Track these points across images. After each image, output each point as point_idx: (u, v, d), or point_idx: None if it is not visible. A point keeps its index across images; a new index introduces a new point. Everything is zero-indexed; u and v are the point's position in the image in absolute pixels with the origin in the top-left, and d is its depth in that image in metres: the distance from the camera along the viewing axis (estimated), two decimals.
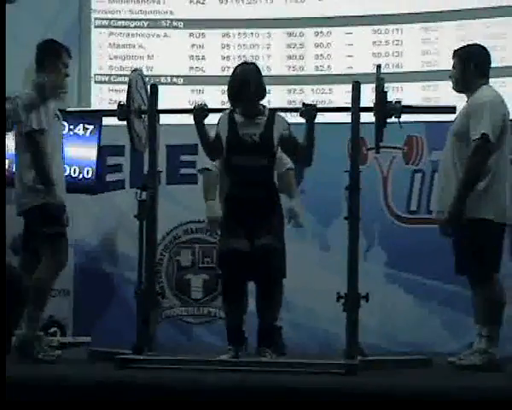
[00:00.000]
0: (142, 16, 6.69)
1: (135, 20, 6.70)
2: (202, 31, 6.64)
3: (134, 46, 6.66)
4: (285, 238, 4.56)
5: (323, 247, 5.79)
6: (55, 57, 4.86)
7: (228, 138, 4.46)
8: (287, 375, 3.97)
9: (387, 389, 3.54)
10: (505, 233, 4.56)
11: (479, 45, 4.75)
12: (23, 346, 4.52)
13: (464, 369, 4.38)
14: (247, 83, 4.39)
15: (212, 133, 4.53)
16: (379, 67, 4.48)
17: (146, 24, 6.69)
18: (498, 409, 3.23)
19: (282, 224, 4.56)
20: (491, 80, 4.69)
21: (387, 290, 6.03)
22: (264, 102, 4.55)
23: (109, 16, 6.70)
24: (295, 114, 4.56)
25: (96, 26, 6.69)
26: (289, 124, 4.54)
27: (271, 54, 6.53)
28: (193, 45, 6.64)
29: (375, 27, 6.46)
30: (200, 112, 4.49)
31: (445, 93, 6.10)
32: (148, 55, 6.60)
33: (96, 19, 6.69)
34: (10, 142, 4.99)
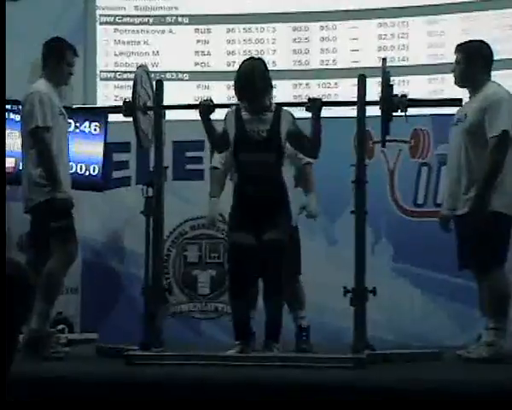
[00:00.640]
0: (147, 12, 6.69)
1: (140, 16, 6.69)
2: (207, 26, 6.63)
3: (139, 42, 6.66)
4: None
5: (330, 241, 5.78)
6: (57, 56, 4.86)
7: (235, 136, 4.45)
8: (294, 369, 3.97)
9: (395, 383, 3.54)
10: None
11: (482, 41, 4.73)
12: (32, 342, 4.52)
13: (471, 362, 4.37)
14: (253, 78, 4.38)
15: (219, 128, 4.53)
16: (384, 60, 4.47)
17: (151, 20, 6.69)
18: (508, 402, 3.22)
19: (290, 220, 4.54)
20: (497, 73, 4.68)
21: (394, 284, 6.02)
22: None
23: (114, 13, 6.70)
24: (301, 108, 4.56)
25: (101, 23, 6.69)
26: (295, 118, 4.53)
27: (277, 48, 6.52)
28: (198, 41, 6.64)
29: (381, 21, 6.44)
30: (206, 107, 4.50)
31: (451, 86, 6.06)
32: (154, 52, 6.60)
33: (101, 15, 6.69)
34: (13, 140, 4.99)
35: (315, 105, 4.45)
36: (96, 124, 6.11)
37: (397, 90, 4.46)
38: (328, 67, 6.47)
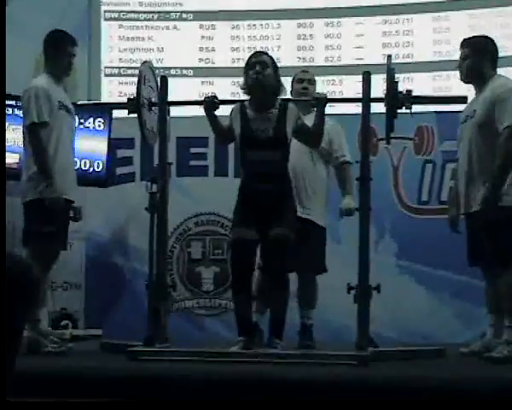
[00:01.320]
0: (152, 8, 6.69)
1: (144, 12, 6.70)
2: (212, 22, 6.63)
3: (144, 39, 6.66)
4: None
5: (334, 238, 5.77)
6: (56, 48, 4.83)
7: (241, 133, 4.45)
8: (298, 366, 3.97)
9: (398, 380, 3.54)
10: None
11: (487, 36, 4.71)
12: (29, 346, 4.52)
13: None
14: (261, 64, 4.39)
15: (224, 122, 4.53)
16: (389, 57, 4.46)
17: (156, 16, 6.69)
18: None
19: (295, 216, 4.53)
20: (503, 70, 4.67)
21: (398, 281, 6.01)
22: None
23: (119, 9, 6.70)
24: None
25: (105, 19, 6.69)
26: (299, 111, 4.53)
27: (281, 45, 6.52)
28: (202, 37, 6.64)
29: (386, 17, 6.44)
30: (211, 104, 4.50)
31: (456, 83, 6.06)
32: (158, 48, 6.60)
33: (105, 11, 6.70)
34: (17, 135, 4.98)
35: (320, 101, 4.45)
36: (101, 120, 6.11)
37: (401, 87, 4.45)
38: (333, 64, 6.47)
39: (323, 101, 4.46)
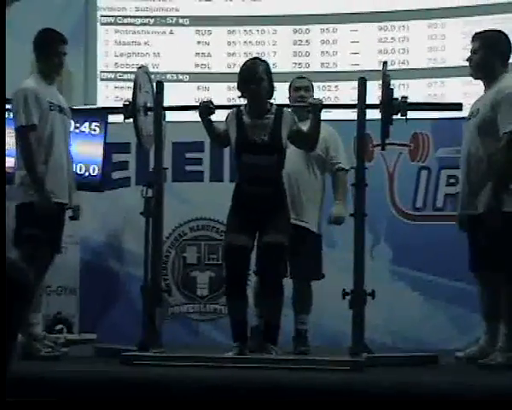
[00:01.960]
0: (148, 13, 6.69)
1: (141, 17, 6.70)
2: (208, 28, 6.63)
3: (140, 43, 6.66)
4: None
5: (329, 244, 5.77)
6: (45, 47, 4.79)
7: (237, 139, 4.45)
8: (292, 372, 3.97)
9: (393, 386, 3.54)
10: None
11: (502, 32, 4.59)
12: (24, 351, 4.51)
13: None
14: (258, 72, 4.39)
15: (220, 126, 4.53)
16: (385, 63, 4.46)
17: (152, 21, 6.69)
18: (506, 407, 3.22)
19: (289, 221, 4.54)
20: None
21: (393, 287, 6.02)
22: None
23: (115, 13, 6.70)
24: None
25: (101, 24, 6.69)
26: (295, 116, 4.54)
27: (277, 51, 6.52)
28: (199, 42, 6.64)
29: (381, 24, 6.45)
30: (206, 108, 4.50)
31: (451, 90, 6.11)
32: (154, 53, 6.60)
33: (101, 16, 6.69)
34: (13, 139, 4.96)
35: (315, 107, 4.46)
36: (96, 124, 6.11)
37: (397, 94, 4.46)
38: (329, 70, 6.48)
39: (318, 107, 4.47)
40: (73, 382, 3.63)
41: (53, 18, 6.29)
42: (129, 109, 4.60)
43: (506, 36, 4.56)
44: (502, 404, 3.22)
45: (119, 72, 6.64)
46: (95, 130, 6.10)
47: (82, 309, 6.27)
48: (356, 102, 4.49)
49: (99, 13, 6.69)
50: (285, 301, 4.54)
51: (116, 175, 6.47)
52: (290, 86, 5.08)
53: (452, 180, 5.93)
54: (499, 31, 4.64)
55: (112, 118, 5.98)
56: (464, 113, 4.67)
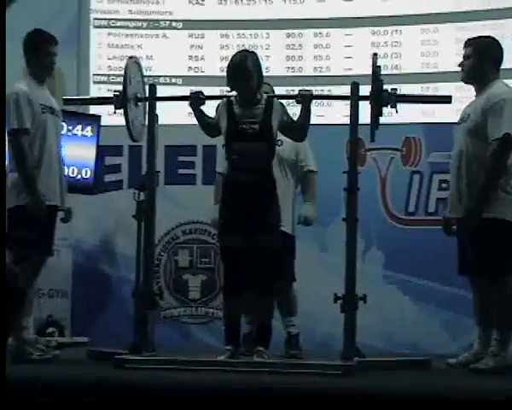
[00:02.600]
0: (141, 17, 6.69)
1: (134, 20, 6.70)
2: (201, 31, 6.64)
3: (133, 46, 6.66)
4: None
5: (322, 248, 5.79)
6: (36, 48, 4.77)
7: (227, 129, 4.46)
8: (284, 376, 3.97)
9: (385, 391, 3.55)
10: None
11: (493, 38, 4.61)
12: (15, 354, 4.50)
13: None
14: (246, 65, 4.40)
15: (212, 115, 4.54)
16: (375, 55, 4.43)
17: (145, 24, 6.70)
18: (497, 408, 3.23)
19: (279, 219, 4.53)
20: None
21: (385, 292, 6.03)
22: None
23: (108, 16, 6.70)
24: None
25: (94, 27, 6.69)
26: (285, 106, 4.55)
27: (270, 55, 6.53)
28: (192, 46, 6.65)
29: (374, 29, 6.46)
30: (197, 98, 4.54)
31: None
32: (147, 56, 6.60)
33: (94, 19, 6.69)
34: None
35: (305, 98, 4.49)
36: (89, 127, 6.11)
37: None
38: (322, 74, 6.49)
39: (308, 98, 4.49)
40: (65, 385, 3.63)
41: (46, 21, 6.27)
42: (119, 99, 4.58)
43: (498, 42, 4.58)
44: (493, 406, 3.24)
45: (111, 75, 6.63)
46: (87, 132, 6.10)
47: (74, 312, 6.26)
48: (348, 105, 4.48)
49: (92, 16, 6.69)
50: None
51: (108, 178, 6.46)
52: None
53: (444, 185, 5.93)
54: (491, 37, 4.66)
55: (104, 121, 5.97)
56: (456, 117, 4.69)
